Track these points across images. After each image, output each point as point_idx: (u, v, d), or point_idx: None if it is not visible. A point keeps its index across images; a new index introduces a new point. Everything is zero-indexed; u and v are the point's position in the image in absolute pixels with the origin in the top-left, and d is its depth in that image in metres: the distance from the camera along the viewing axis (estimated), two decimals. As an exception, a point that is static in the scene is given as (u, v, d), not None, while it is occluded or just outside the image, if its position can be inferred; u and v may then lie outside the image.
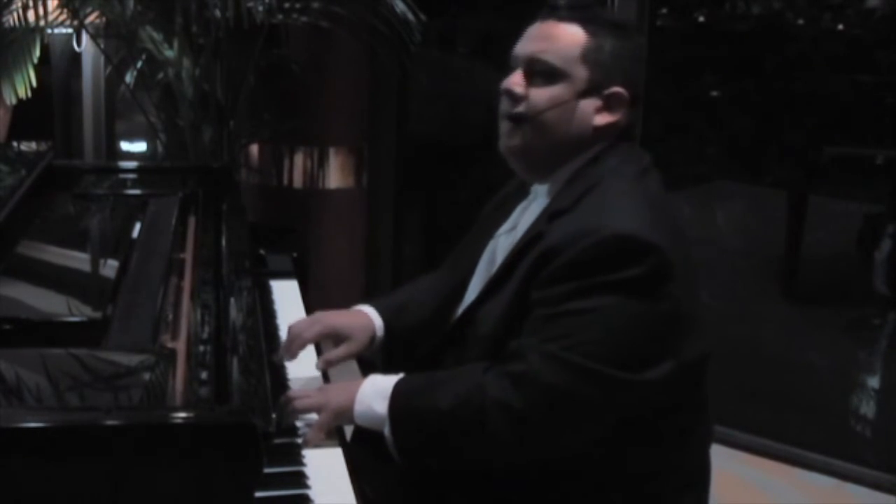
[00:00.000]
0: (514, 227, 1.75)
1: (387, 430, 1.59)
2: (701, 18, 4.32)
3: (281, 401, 1.63)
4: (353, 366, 1.90)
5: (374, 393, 1.61)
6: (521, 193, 1.78)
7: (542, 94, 1.63)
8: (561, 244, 1.54)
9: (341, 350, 1.79)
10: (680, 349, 1.56)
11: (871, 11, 4.01)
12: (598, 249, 1.51)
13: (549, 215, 1.62)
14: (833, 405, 3.67)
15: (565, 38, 1.63)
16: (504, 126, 1.68)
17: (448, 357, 1.71)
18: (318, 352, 1.85)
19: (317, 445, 1.59)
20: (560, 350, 1.50)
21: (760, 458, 3.24)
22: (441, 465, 1.62)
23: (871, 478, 3.14)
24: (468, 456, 1.58)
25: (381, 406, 1.60)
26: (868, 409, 3.68)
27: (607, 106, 1.64)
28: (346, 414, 1.62)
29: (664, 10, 4.15)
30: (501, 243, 1.75)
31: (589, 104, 1.64)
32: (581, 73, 1.63)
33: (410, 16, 3.31)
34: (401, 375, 1.64)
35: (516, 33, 1.73)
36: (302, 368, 1.84)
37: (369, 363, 1.88)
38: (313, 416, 1.63)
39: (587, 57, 1.62)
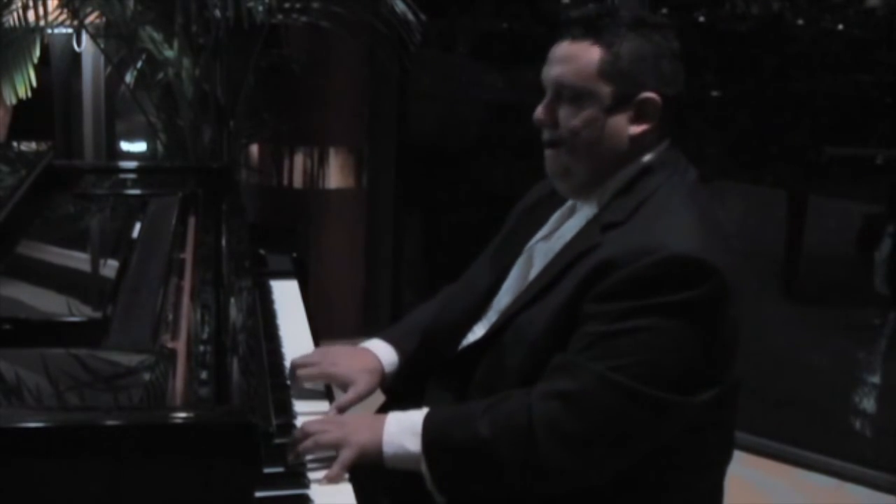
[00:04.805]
0: (551, 234, 1.72)
1: (424, 468, 1.54)
2: (701, 18, 4.32)
3: (296, 434, 1.57)
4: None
5: (402, 430, 1.56)
6: (555, 200, 1.76)
7: (570, 117, 1.62)
8: (620, 259, 1.51)
9: (351, 396, 1.74)
10: (729, 372, 1.56)
11: (871, 11, 4.01)
12: (659, 269, 1.48)
13: (603, 227, 1.58)
14: (833, 405, 3.67)
15: (581, 57, 1.61)
16: (546, 153, 1.67)
17: (483, 363, 1.66)
18: (328, 389, 1.82)
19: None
20: (609, 371, 1.48)
21: (760, 458, 3.24)
22: (485, 495, 1.56)
23: (871, 478, 3.14)
24: (514, 482, 1.53)
25: (413, 444, 1.55)
26: (868, 408, 3.68)
27: (639, 114, 1.61)
28: (372, 453, 1.56)
29: (664, 10, 4.14)
30: (539, 250, 1.72)
31: (620, 117, 1.61)
32: (604, 89, 1.60)
33: (410, 16, 3.31)
34: (425, 410, 1.60)
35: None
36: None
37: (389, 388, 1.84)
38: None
39: (606, 72, 1.59)
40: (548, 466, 1.50)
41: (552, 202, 1.77)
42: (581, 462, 1.51)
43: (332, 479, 1.51)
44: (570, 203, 1.73)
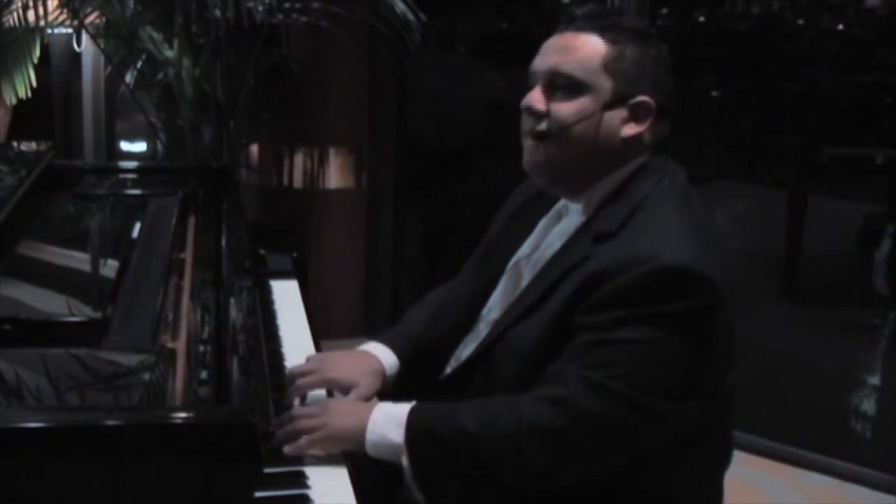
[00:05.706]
0: (539, 243, 1.70)
1: (405, 460, 1.53)
2: (701, 18, 4.33)
3: (283, 419, 1.58)
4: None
5: (387, 420, 1.56)
6: (541, 205, 1.74)
7: (565, 109, 1.58)
8: (611, 269, 1.50)
9: (351, 399, 1.71)
10: (722, 380, 1.56)
11: (871, 11, 4.01)
12: (651, 279, 1.47)
13: (594, 237, 1.57)
14: (833, 405, 3.67)
15: (585, 48, 1.58)
16: (527, 143, 1.63)
17: (477, 376, 1.65)
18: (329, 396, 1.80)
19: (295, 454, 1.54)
20: (603, 379, 1.47)
21: (760, 458, 3.24)
22: (464, 493, 1.55)
23: (871, 478, 3.14)
24: (496, 482, 1.52)
25: (396, 434, 1.54)
26: (868, 408, 3.68)
27: (634, 116, 1.59)
28: (352, 439, 1.56)
29: (664, 10, 4.15)
30: (527, 260, 1.70)
31: (615, 115, 1.58)
32: (604, 83, 1.58)
33: (410, 16, 3.31)
34: (413, 403, 1.59)
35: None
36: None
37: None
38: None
39: (609, 66, 1.58)
40: (531, 466, 1.50)
41: (538, 207, 1.74)
42: (565, 464, 1.51)
43: (290, 452, 1.53)
44: (556, 208, 1.71)
